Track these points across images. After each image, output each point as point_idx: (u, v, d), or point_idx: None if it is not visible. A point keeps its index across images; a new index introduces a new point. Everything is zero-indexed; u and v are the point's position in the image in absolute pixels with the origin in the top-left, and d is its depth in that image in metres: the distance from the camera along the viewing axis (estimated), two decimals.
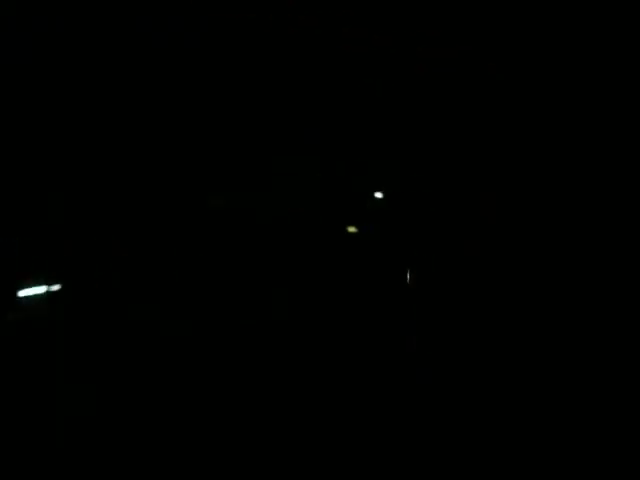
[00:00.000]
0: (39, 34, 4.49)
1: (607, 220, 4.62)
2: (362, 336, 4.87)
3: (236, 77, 4.71)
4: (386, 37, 4.53)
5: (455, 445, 3.26)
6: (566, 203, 4.68)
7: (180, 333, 4.81)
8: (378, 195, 5.12)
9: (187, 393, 4.08)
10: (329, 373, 4.37)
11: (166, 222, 4.96)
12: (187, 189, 4.96)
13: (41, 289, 4.70)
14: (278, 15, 4.49)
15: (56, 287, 4.71)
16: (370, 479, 3.04)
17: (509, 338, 4.66)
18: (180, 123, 4.72)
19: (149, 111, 4.65)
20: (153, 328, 4.83)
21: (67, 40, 4.52)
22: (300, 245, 5.20)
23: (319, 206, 5.11)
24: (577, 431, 3.33)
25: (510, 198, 4.76)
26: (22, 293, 4.63)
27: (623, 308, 4.57)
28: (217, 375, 4.37)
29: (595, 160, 4.57)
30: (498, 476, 3.00)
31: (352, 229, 5.16)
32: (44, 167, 4.61)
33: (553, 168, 4.66)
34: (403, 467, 3.11)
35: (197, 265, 5.06)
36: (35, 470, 3.22)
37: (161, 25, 4.52)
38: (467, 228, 4.97)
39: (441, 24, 4.42)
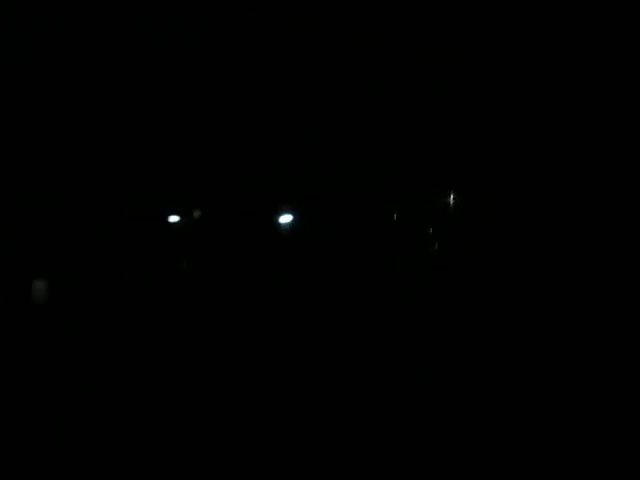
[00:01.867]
0: (39, 34, 4.49)
1: (607, 219, 4.62)
2: (362, 336, 4.87)
3: (236, 77, 4.71)
4: (386, 37, 4.52)
5: (455, 445, 3.26)
6: (566, 203, 4.68)
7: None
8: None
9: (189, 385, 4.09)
10: (328, 372, 4.38)
11: (165, 220, 4.95)
12: (186, 186, 4.96)
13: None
14: (278, 15, 4.49)
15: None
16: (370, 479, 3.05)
17: (509, 337, 4.66)
18: (180, 123, 4.71)
19: (149, 111, 4.65)
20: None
21: (67, 40, 4.52)
22: (301, 242, 5.20)
23: (319, 205, 5.10)
24: (577, 431, 3.34)
25: (510, 198, 4.76)
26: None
27: (622, 308, 4.56)
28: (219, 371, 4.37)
29: (595, 160, 4.56)
30: (498, 476, 3.01)
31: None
32: (44, 166, 4.60)
33: (553, 168, 4.66)
34: (403, 466, 3.12)
35: (198, 261, 5.07)
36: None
37: (161, 25, 4.51)
38: (467, 228, 4.97)
39: (441, 24, 4.41)
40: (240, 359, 4.60)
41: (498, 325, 4.74)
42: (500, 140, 4.61)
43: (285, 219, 5.17)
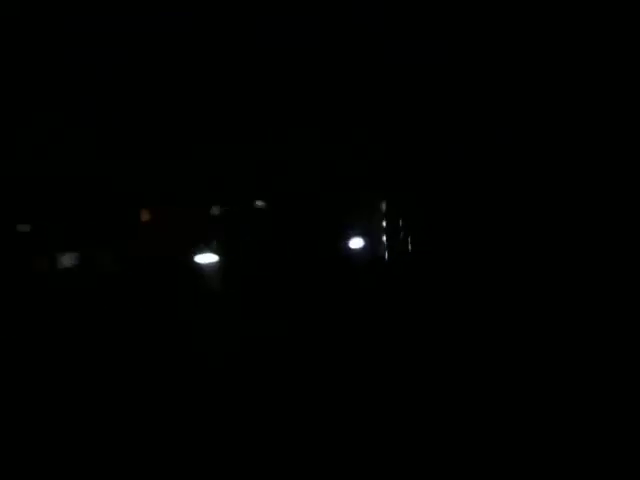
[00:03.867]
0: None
1: (607, 221, 4.63)
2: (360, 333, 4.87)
3: (233, 73, 4.71)
4: (386, 36, 4.53)
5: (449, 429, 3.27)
6: (565, 202, 4.69)
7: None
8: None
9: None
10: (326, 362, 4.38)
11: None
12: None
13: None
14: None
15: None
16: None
17: (507, 336, 4.66)
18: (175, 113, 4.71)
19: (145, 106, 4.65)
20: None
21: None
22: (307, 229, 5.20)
23: (324, 207, 5.10)
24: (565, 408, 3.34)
25: (510, 198, 4.76)
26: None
27: (617, 301, 4.57)
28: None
29: (595, 160, 4.57)
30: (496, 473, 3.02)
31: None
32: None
33: (553, 168, 4.66)
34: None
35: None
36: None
37: (161, 23, 4.53)
38: (465, 224, 4.96)
39: (441, 24, 4.42)
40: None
41: (495, 323, 4.74)
42: (499, 140, 4.62)
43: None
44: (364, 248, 5.30)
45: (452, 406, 3.61)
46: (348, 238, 5.25)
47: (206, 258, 5.09)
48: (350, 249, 5.30)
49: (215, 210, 5.06)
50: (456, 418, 3.45)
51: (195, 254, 5.10)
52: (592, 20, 4.26)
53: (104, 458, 3.16)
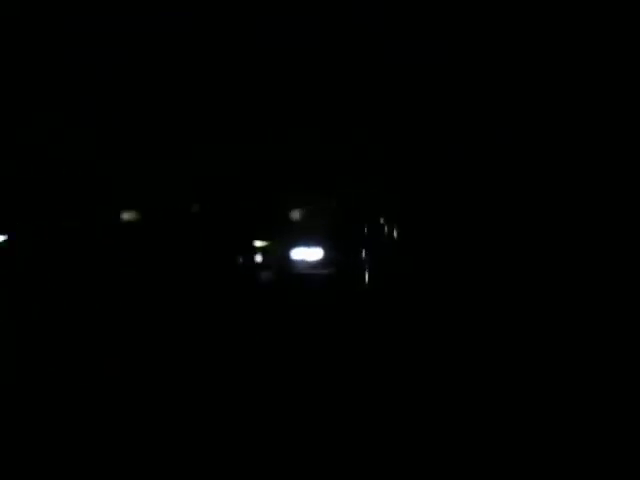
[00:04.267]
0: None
1: (607, 220, 4.64)
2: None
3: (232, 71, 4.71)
4: (386, 36, 4.54)
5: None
6: (566, 202, 4.69)
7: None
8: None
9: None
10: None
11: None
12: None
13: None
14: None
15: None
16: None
17: (506, 343, 4.66)
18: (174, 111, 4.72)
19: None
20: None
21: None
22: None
23: (326, 204, 5.11)
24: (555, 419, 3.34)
25: (509, 198, 4.77)
26: None
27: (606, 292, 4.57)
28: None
29: (595, 160, 4.57)
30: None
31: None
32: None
33: (552, 169, 4.66)
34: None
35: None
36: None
37: (161, 20, 4.53)
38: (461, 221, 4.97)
39: (441, 24, 4.42)
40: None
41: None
42: (499, 140, 4.62)
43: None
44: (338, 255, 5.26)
45: (443, 417, 3.61)
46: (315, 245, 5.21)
47: None
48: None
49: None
50: (449, 427, 3.45)
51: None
52: (592, 20, 4.26)
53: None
